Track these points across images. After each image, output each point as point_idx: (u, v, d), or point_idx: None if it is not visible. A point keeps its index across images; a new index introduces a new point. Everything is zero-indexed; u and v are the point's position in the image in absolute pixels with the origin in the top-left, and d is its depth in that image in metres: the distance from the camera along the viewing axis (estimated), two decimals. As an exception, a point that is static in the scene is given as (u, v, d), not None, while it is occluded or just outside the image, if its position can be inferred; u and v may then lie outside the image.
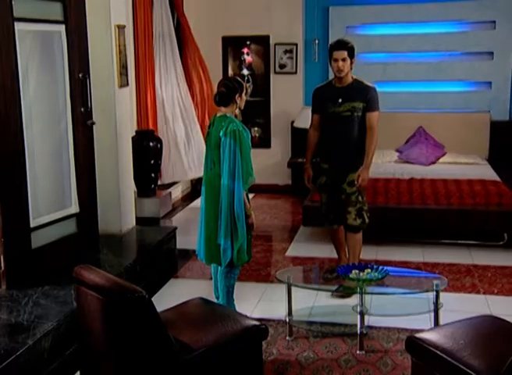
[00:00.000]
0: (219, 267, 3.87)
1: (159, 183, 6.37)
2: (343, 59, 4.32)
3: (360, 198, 4.51)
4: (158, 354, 2.71)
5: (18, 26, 3.83)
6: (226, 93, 3.74)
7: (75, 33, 4.32)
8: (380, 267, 3.78)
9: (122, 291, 2.66)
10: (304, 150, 7.41)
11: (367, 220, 4.54)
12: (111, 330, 2.73)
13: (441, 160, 6.78)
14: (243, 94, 3.80)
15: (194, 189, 7.65)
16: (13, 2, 3.76)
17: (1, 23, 3.70)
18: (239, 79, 3.86)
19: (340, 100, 4.41)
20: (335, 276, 4.19)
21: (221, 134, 3.69)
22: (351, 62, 4.38)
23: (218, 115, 3.82)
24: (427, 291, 3.77)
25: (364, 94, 4.40)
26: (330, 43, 4.56)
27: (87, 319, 2.88)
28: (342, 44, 4.37)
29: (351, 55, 4.37)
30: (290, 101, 7.61)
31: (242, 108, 3.85)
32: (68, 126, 4.32)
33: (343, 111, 4.42)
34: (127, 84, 5.16)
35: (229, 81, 3.81)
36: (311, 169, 4.68)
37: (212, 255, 3.83)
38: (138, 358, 2.69)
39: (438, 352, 2.79)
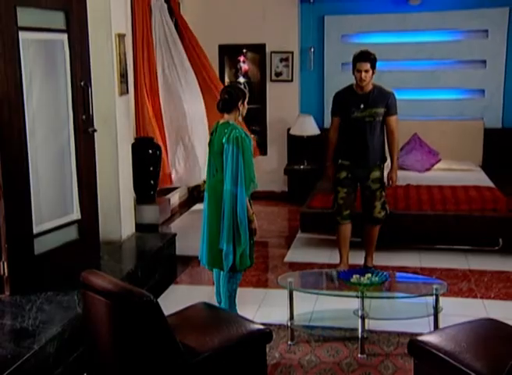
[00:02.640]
0: (222, 272, 3.92)
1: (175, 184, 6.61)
2: (366, 70, 4.59)
3: (383, 193, 4.92)
4: (165, 357, 2.75)
5: (22, 35, 3.87)
6: (229, 100, 3.80)
7: (77, 41, 4.36)
8: (380, 272, 3.85)
9: (130, 295, 2.70)
10: (301, 157, 7.56)
11: (388, 212, 5.00)
12: (118, 334, 2.77)
13: (436, 167, 6.87)
14: (246, 102, 3.87)
15: (191, 196, 7.70)
16: (18, 12, 3.81)
17: (6, 33, 3.75)
18: (241, 87, 3.93)
19: (362, 106, 4.70)
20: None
21: (224, 141, 3.75)
22: (373, 72, 4.65)
23: (220, 122, 3.88)
24: (427, 295, 3.82)
25: (385, 100, 4.73)
26: (354, 54, 4.74)
27: (94, 324, 2.91)
28: (365, 56, 4.61)
29: (373, 65, 4.63)
30: (286, 108, 7.69)
31: (244, 115, 3.92)
32: (70, 133, 4.35)
33: (366, 116, 4.72)
34: (127, 92, 5.22)
35: (232, 88, 3.88)
36: (333, 167, 4.93)
37: (215, 260, 3.88)
38: (145, 361, 2.73)
39: (440, 354, 2.84)
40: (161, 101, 6.39)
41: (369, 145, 4.78)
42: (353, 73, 4.71)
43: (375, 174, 4.85)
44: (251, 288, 4.84)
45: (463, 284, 4.88)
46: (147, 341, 2.72)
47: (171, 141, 6.44)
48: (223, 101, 3.82)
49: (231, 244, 3.79)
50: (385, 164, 4.98)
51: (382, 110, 4.74)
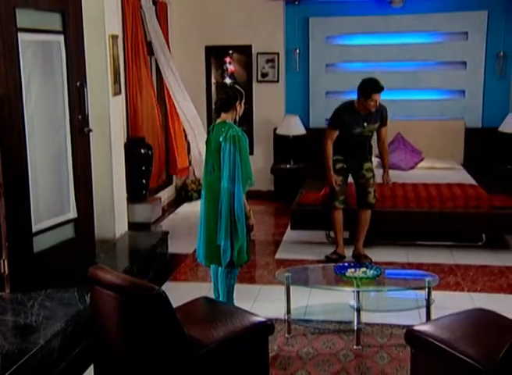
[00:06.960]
0: (219, 268, 4.01)
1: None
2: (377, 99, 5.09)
3: (374, 181, 5.52)
4: (173, 349, 2.83)
5: (21, 36, 3.93)
6: (226, 99, 3.90)
7: (73, 42, 4.43)
8: (375, 266, 3.97)
9: (141, 289, 2.78)
10: (287, 156, 7.68)
11: (377, 199, 5.54)
12: (128, 327, 2.84)
13: (419, 165, 7.03)
14: (242, 102, 3.97)
15: (179, 195, 7.77)
16: (17, 13, 3.87)
17: (6, 34, 3.80)
18: (239, 87, 4.03)
19: (365, 124, 5.21)
20: (336, 257, 5.34)
21: (221, 140, 3.84)
22: None
23: (217, 121, 3.98)
24: (420, 288, 3.96)
25: (381, 115, 5.28)
26: (364, 82, 5.16)
27: (103, 318, 2.98)
28: (381, 88, 5.06)
29: None
30: (272, 109, 7.79)
31: (240, 115, 4.02)
32: (66, 133, 4.42)
33: (366, 131, 5.25)
34: (120, 92, 5.28)
35: (229, 89, 3.98)
36: (335, 175, 5.32)
37: (213, 256, 3.96)
38: (154, 353, 2.81)
39: (436, 343, 2.97)
40: (173, 99, 6.94)
41: (364, 148, 5.41)
42: (363, 100, 5.10)
43: (368, 165, 5.43)
44: (245, 284, 4.93)
45: (450, 278, 5.03)
46: (156, 334, 2.80)
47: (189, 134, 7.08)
48: (221, 101, 3.91)
49: (228, 240, 3.87)
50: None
51: (378, 124, 5.34)
